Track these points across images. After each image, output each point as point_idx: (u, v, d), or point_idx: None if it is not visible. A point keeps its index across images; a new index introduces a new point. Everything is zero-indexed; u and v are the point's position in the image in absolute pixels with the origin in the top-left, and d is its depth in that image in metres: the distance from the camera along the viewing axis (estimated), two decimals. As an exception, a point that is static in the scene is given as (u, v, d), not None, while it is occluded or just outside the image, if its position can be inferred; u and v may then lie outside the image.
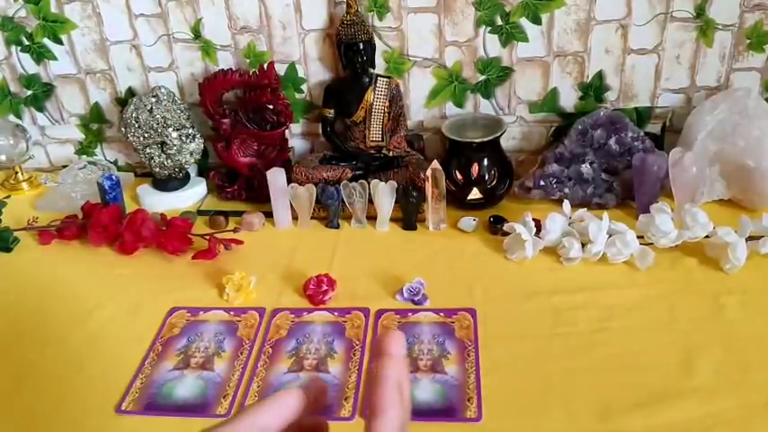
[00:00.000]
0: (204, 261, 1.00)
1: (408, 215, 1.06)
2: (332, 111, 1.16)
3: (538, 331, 0.83)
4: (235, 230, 1.05)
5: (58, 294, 0.97)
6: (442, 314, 0.88)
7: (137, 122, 1.16)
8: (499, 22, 1.10)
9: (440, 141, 1.21)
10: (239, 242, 1.03)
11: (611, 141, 1.08)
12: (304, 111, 1.23)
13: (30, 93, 1.28)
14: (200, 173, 1.27)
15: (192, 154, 1.19)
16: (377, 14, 1.12)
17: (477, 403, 0.73)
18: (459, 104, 1.18)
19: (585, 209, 1.02)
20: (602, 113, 1.09)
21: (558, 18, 1.09)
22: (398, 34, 1.13)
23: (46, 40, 1.22)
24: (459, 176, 1.08)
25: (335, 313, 0.89)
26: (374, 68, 1.13)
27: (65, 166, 1.28)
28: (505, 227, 0.99)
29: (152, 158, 1.19)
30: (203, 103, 1.15)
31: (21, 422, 0.76)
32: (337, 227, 1.09)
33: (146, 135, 1.17)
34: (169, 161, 1.19)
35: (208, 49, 1.19)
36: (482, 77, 1.15)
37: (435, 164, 1.02)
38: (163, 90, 1.17)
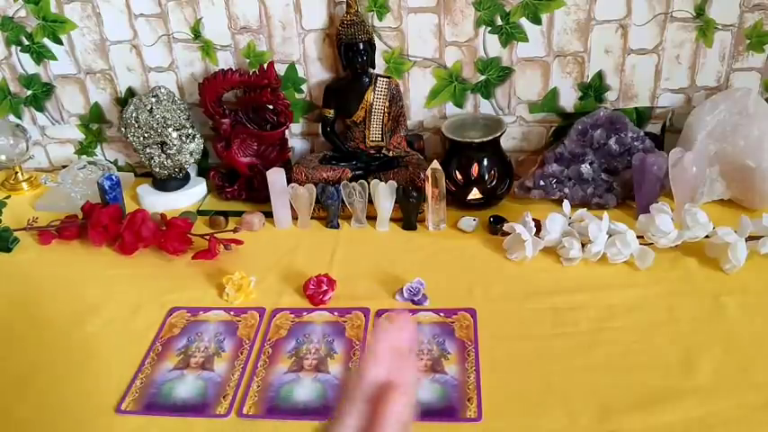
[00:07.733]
0: (204, 261, 1.00)
1: (408, 215, 1.06)
2: (332, 111, 1.16)
3: (538, 331, 0.83)
4: (235, 230, 1.05)
5: (58, 294, 0.97)
6: (442, 314, 0.88)
7: (137, 122, 1.16)
8: (499, 22, 1.10)
9: (440, 141, 1.21)
10: (239, 242, 1.03)
11: (611, 141, 1.08)
12: (304, 111, 1.23)
13: (30, 93, 1.28)
14: (200, 173, 1.27)
15: (191, 154, 1.19)
16: (377, 14, 1.12)
17: (477, 403, 0.73)
18: (459, 104, 1.18)
19: (585, 209, 1.02)
20: (602, 113, 1.09)
21: (557, 18, 1.09)
22: (398, 34, 1.13)
23: (46, 40, 1.22)
24: (459, 176, 1.08)
25: (335, 313, 0.89)
26: (374, 68, 1.13)
27: (65, 166, 1.28)
28: (505, 227, 0.99)
29: (152, 158, 1.19)
30: (203, 103, 1.15)
31: (21, 422, 0.76)
32: (337, 227, 1.09)
33: (146, 135, 1.17)
34: (169, 161, 1.19)
35: (208, 49, 1.19)
36: (482, 77, 1.15)
37: (435, 164, 1.02)
38: (163, 90, 1.17)
